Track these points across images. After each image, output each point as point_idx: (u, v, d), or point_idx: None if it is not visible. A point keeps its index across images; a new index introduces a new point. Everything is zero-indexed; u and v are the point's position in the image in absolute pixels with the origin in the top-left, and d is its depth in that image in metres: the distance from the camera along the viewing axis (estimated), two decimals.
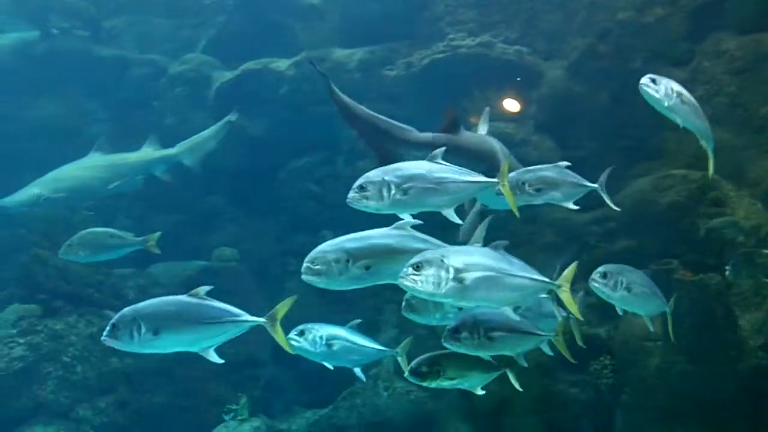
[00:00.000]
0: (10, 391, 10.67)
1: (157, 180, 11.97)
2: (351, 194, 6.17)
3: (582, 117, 10.99)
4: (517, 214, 6.58)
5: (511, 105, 11.37)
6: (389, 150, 7.92)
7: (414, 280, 5.88)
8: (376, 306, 10.61)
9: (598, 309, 9.91)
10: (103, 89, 13.28)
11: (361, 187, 6.22)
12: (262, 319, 6.42)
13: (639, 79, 6.89)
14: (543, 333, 6.87)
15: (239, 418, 10.58)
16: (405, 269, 5.91)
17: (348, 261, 6.17)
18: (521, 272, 6.27)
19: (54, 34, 13.44)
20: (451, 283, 5.93)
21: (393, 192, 6.22)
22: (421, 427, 10.30)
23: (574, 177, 7.31)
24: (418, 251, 6.16)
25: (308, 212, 11.95)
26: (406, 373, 6.91)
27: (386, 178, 6.23)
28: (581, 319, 6.83)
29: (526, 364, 6.99)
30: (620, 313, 7.67)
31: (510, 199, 6.53)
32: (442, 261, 5.95)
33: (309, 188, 11.98)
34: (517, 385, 7.02)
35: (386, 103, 10.84)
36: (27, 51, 13.39)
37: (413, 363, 6.89)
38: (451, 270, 5.94)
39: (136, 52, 13.54)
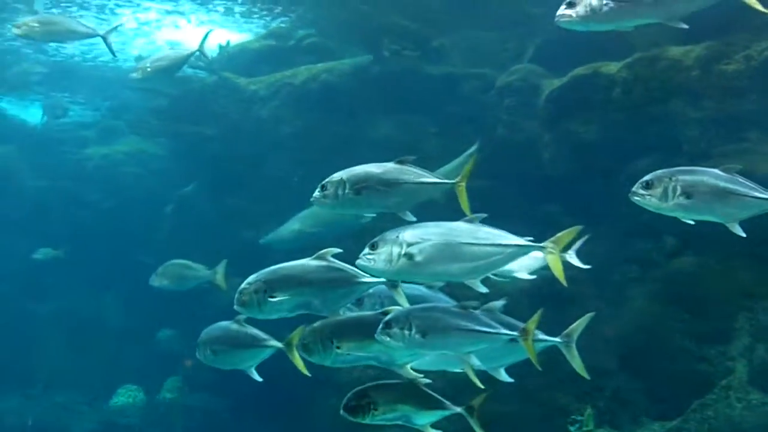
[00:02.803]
0: None
1: (487, 187, 12.10)
2: (315, 193, 6.38)
3: None
4: (468, 213, 6.19)
5: None
6: None
7: (368, 259, 5.82)
8: (731, 313, 10.04)
9: None
10: (433, 106, 13.70)
11: (323, 186, 6.38)
12: (280, 344, 7.28)
13: None
14: (502, 332, 6.07)
15: (584, 429, 10.45)
16: (365, 249, 5.91)
17: (266, 292, 6.43)
18: (487, 240, 5.92)
19: (386, 57, 14.07)
20: (402, 259, 5.74)
21: (347, 191, 6.27)
22: None
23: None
24: (331, 281, 6.36)
25: (649, 217, 11.52)
26: (341, 410, 6.60)
27: (344, 177, 6.35)
28: (565, 284, 6.08)
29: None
30: (691, 222, 6.46)
31: (463, 198, 6.29)
32: (396, 237, 5.82)
33: None
34: (477, 429, 6.69)
35: (729, 99, 10.31)
36: (362, 74, 14.16)
37: (346, 398, 6.59)
38: (404, 245, 5.75)
39: (463, 67, 13.84)
